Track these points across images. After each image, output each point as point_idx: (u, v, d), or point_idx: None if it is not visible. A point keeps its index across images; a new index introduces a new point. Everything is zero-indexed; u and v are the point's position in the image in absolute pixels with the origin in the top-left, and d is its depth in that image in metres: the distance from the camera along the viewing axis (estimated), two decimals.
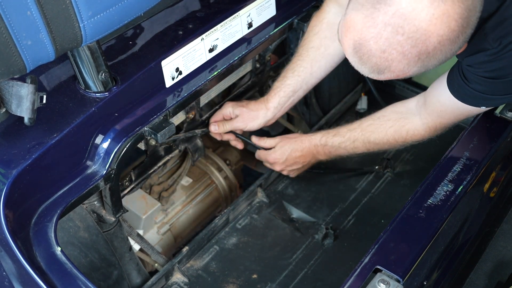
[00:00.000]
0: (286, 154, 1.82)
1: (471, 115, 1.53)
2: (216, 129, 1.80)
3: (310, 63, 1.77)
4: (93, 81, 1.38)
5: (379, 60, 1.18)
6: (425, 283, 1.32)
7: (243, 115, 1.80)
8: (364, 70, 1.23)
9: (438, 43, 1.15)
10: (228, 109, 1.80)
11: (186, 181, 2.04)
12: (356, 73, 2.36)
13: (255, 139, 1.88)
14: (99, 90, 1.39)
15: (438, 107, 1.54)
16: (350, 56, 1.23)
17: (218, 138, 1.87)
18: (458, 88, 1.44)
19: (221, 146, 2.25)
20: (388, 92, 2.32)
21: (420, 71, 1.21)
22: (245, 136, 1.89)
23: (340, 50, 1.74)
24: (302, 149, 1.80)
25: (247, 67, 1.85)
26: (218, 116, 1.82)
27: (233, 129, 1.82)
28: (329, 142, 1.75)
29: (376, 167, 2.01)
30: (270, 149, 1.86)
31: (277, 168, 1.86)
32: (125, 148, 1.42)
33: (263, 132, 2.52)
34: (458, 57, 1.41)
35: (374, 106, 2.23)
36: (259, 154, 1.89)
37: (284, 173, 1.89)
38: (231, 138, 1.86)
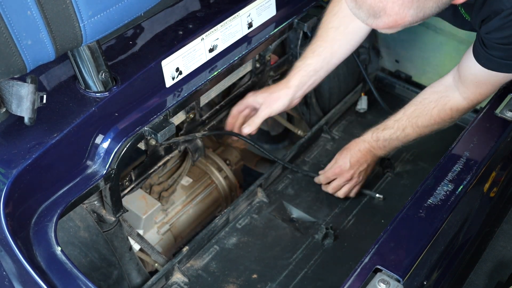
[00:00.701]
0: (347, 160, 1.85)
1: (507, 81, 1.55)
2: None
3: (330, 43, 1.78)
4: (93, 81, 1.38)
5: (373, 1, 1.20)
6: (425, 283, 1.32)
7: (266, 100, 1.81)
8: (361, 15, 1.25)
9: None
10: (251, 98, 1.82)
11: (186, 181, 2.04)
12: (356, 73, 2.38)
13: (321, 171, 1.94)
14: (99, 90, 1.39)
15: (473, 79, 1.56)
16: (349, 2, 1.25)
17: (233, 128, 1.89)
18: (483, 58, 1.47)
19: (221, 146, 2.25)
20: (388, 92, 2.32)
21: (418, 16, 1.22)
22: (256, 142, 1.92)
23: (360, 28, 1.76)
24: (359, 149, 1.84)
25: (247, 67, 1.85)
26: (240, 106, 1.83)
27: (261, 119, 1.82)
28: (381, 137, 1.79)
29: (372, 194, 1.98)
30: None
31: (346, 175, 1.87)
32: (125, 148, 1.42)
33: (263, 132, 2.52)
34: (474, 25, 1.43)
35: (374, 106, 2.23)
36: (327, 175, 1.90)
37: (354, 180, 1.88)
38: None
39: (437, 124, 1.68)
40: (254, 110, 1.85)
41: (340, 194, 1.90)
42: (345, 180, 1.88)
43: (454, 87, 1.63)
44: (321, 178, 1.93)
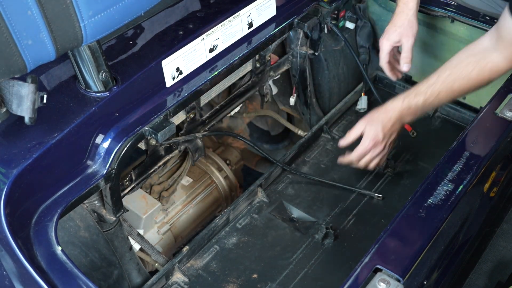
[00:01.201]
0: (379, 130, 1.77)
1: None
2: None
3: None
4: (94, 81, 1.38)
5: None
6: (425, 282, 1.32)
7: (403, 34, 1.88)
8: None
9: None
10: (386, 43, 1.89)
11: (186, 181, 2.04)
12: (356, 73, 2.38)
13: (342, 142, 1.83)
14: (100, 90, 1.40)
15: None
16: None
17: (395, 77, 1.98)
18: None
19: (221, 146, 2.26)
20: (388, 92, 2.32)
21: None
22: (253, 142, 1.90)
23: None
24: (390, 118, 1.77)
25: (247, 67, 1.85)
26: (385, 57, 1.91)
27: (411, 51, 1.89)
28: (413, 103, 1.73)
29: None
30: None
31: (380, 147, 1.79)
32: (126, 148, 1.42)
33: (263, 131, 2.52)
34: None
35: (374, 106, 2.23)
36: (359, 151, 1.80)
37: (385, 151, 1.82)
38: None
39: (473, 87, 1.65)
40: (395, 48, 1.92)
41: (371, 166, 1.85)
42: (378, 152, 1.81)
43: (491, 48, 1.60)
44: (353, 156, 1.82)
